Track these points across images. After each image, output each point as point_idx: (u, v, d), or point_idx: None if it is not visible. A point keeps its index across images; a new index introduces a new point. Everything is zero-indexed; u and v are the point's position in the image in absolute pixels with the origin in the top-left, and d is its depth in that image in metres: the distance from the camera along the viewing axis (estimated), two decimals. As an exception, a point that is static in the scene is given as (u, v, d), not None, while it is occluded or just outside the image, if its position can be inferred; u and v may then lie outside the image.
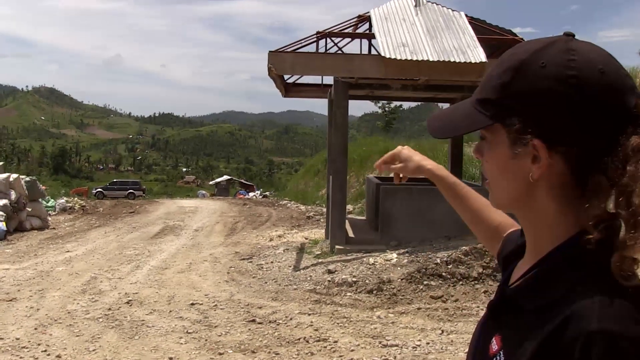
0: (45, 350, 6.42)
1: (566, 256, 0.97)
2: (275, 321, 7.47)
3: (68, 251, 12.64)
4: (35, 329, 7.15)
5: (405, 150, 1.64)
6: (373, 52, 13.05)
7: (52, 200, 21.26)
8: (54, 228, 16.61)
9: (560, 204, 0.99)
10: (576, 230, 0.98)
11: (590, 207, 0.93)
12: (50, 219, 17.69)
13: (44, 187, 20.57)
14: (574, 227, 0.98)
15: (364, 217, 16.25)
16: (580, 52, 0.95)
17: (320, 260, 10.92)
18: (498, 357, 1.01)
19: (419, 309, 8.03)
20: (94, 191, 53.43)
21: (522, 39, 12.93)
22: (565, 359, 0.86)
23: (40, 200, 17.64)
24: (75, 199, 25.41)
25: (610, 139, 0.92)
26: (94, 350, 6.45)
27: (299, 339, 6.77)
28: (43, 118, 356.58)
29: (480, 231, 1.56)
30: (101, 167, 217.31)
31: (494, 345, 1.04)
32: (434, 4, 13.27)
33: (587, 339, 0.84)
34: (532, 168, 0.97)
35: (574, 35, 1.00)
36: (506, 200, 1.06)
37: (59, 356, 6.26)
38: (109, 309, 8.02)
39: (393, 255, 10.20)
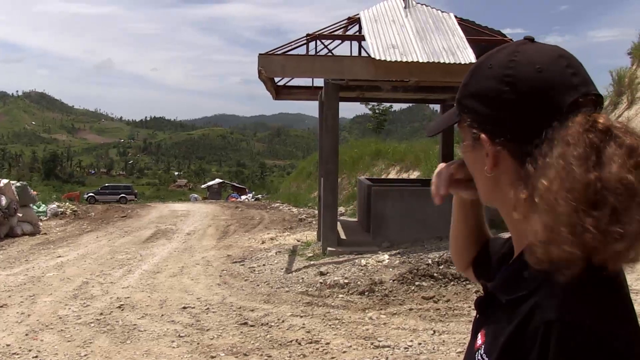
0: (36, 356, 6.39)
1: None
2: (267, 324, 7.46)
3: (59, 256, 12.59)
4: (26, 334, 7.12)
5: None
6: (363, 54, 13.08)
7: (44, 205, 21.14)
8: (45, 233, 16.54)
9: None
10: None
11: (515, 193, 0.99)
12: (41, 224, 17.60)
13: (35, 192, 20.46)
14: None
15: (355, 219, 16.27)
16: (523, 54, 1.02)
17: (312, 262, 10.92)
18: (480, 351, 1.05)
19: (410, 309, 8.04)
20: (86, 196, 53.35)
21: (511, 39, 12.97)
22: (529, 348, 0.91)
23: (31, 205, 17.57)
24: (67, 203, 25.28)
25: (542, 132, 0.96)
26: (85, 355, 6.43)
27: (291, 341, 6.77)
28: (34, 123, 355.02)
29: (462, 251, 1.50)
30: (93, 172, 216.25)
31: (479, 339, 1.08)
32: (423, 6, 13.31)
33: (546, 328, 0.89)
34: (487, 161, 1.04)
35: (533, 39, 1.06)
36: (482, 194, 1.13)
37: (50, 362, 6.24)
38: (101, 314, 7.99)
39: (385, 257, 10.22)
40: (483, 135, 1.03)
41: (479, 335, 1.08)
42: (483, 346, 1.04)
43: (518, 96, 0.99)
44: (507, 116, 1.00)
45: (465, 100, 1.08)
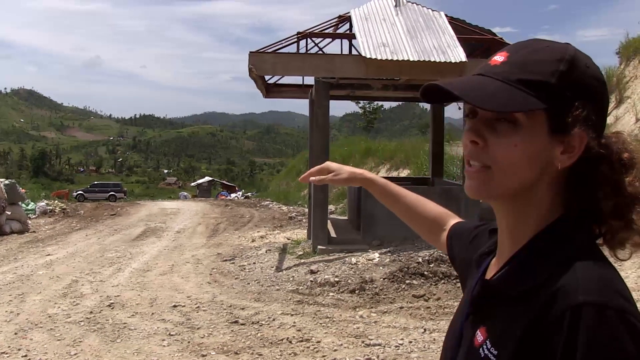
0: (25, 356, 6.36)
1: (547, 241, 1.03)
2: (258, 322, 7.46)
3: (49, 254, 12.53)
4: (16, 333, 7.08)
5: (332, 164, 1.73)
6: (354, 52, 13.08)
7: (32, 203, 21.02)
8: (34, 231, 16.46)
9: (555, 193, 1.06)
10: (554, 218, 1.05)
11: (583, 194, 1.05)
12: (30, 222, 17.52)
13: (23, 190, 20.37)
14: (553, 216, 1.05)
15: (346, 217, 16.27)
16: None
17: (302, 261, 10.92)
18: (485, 347, 1.05)
19: (401, 308, 8.06)
20: (75, 194, 53.19)
21: (501, 38, 13.03)
22: (554, 334, 0.92)
23: (20, 203, 17.46)
24: (56, 201, 25.14)
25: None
26: (75, 354, 6.41)
27: (282, 340, 6.77)
28: (22, 120, 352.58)
29: (418, 226, 1.66)
30: (82, 170, 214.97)
31: (479, 336, 1.08)
32: (414, 4, 13.32)
33: (574, 312, 0.90)
34: (561, 157, 1.03)
35: None
36: (512, 188, 1.06)
37: (39, 361, 6.21)
38: (91, 313, 7.96)
39: (375, 255, 10.23)
40: (583, 132, 1.01)
41: (478, 333, 1.09)
42: (487, 342, 1.05)
43: (608, 101, 1.07)
44: (604, 119, 1.06)
45: (567, 89, 1.02)
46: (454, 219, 1.55)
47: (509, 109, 1.00)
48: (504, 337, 1.01)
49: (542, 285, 0.97)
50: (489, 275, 1.16)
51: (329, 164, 1.72)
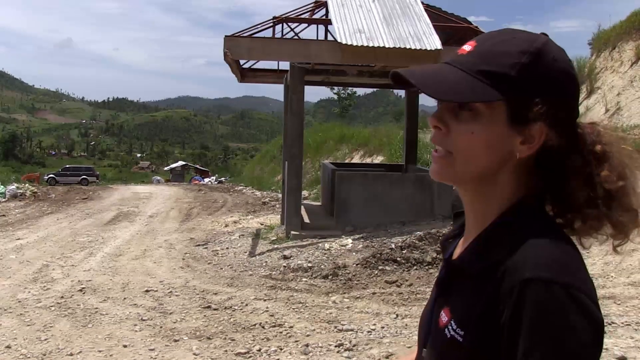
0: (-5, 340, 6.29)
1: (508, 221, 1.06)
2: (230, 307, 7.46)
3: (19, 239, 12.38)
4: (-15, 318, 7.01)
5: None
6: (329, 38, 13.05)
7: (2, 186, 20.75)
8: (4, 215, 16.22)
9: (516, 179, 1.08)
10: (517, 199, 1.07)
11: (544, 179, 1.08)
12: (0, 205, 17.28)
13: (-7, 173, 20.06)
14: (517, 198, 1.07)
15: (319, 203, 16.30)
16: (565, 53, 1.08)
17: (275, 246, 10.92)
18: (449, 327, 1.07)
19: (373, 293, 8.10)
20: (46, 177, 52.45)
21: (476, 27, 13.07)
22: (505, 309, 0.94)
23: (-11, 186, 17.23)
24: (27, 185, 24.84)
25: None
26: (45, 339, 6.35)
27: (255, 325, 6.78)
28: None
29: None
30: (53, 153, 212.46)
31: (443, 317, 1.10)
32: (390, -9, 13.30)
33: (521, 286, 0.93)
34: (521, 148, 1.04)
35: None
36: (474, 174, 1.08)
37: (8, 346, 6.14)
38: (62, 297, 7.89)
39: (348, 241, 10.27)
40: (542, 124, 1.02)
41: (443, 314, 1.11)
42: (452, 322, 1.06)
43: (578, 96, 1.07)
44: (571, 112, 1.07)
45: (527, 82, 1.03)
46: None
47: (464, 99, 1.04)
48: (467, 316, 1.03)
49: (499, 262, 0.99)
50: (456, 253, 1.19)
51: None
